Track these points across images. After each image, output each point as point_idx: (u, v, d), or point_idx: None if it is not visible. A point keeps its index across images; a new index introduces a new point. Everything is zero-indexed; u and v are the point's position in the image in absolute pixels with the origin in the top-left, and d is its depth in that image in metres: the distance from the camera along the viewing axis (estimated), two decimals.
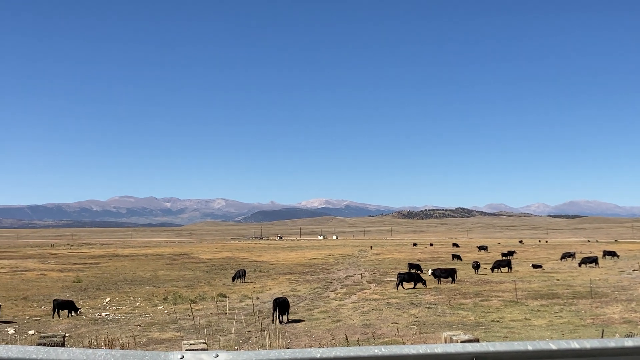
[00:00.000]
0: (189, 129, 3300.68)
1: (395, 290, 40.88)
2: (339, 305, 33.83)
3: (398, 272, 48.02)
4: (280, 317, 27.76)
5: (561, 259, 75.29)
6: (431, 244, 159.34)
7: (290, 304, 30.84)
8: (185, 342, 5.96)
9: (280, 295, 33.11)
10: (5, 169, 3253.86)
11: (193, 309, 30.18)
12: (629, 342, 4.96)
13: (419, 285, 42.74)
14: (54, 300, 32.02)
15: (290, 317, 28.58)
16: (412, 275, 43.66)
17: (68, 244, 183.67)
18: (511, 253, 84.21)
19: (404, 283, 42.57)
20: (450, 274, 46.76)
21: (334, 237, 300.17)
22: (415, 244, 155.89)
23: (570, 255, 76.39)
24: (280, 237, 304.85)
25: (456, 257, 78.56)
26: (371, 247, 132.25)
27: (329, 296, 38.51)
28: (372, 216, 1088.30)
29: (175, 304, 34.53)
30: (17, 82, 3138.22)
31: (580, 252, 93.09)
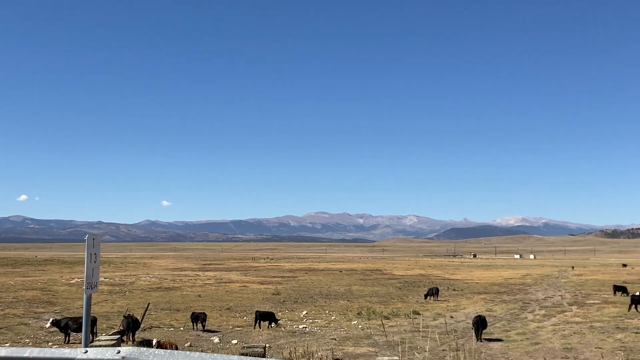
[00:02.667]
0: (380, 142, 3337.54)
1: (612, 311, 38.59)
2: (537, 327, 32.54)
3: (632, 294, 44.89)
4: (478, 335, 27.49)
5: None
6: None
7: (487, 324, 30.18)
8: (379, 358, 6.02)
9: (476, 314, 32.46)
10: (212, 187, 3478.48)
11: (386, 325, 30.39)
12: None
13: (628, 309, 39.85)
14: (256, 311, 33.67)
15: (487, 337, 28.00)
16: None
17: (267, 257, 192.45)
18: None
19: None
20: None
21: (532, 257, 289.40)
22: (624, 265, 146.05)
23: None
24: (474, 256, 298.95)
25: None
26: (572, 268, 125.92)
27: (526, 317, 37.16)
28: (573, 235, 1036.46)
29: (369, 319, 34.96)
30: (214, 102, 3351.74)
31: None
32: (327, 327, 32.63)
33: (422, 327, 30.64)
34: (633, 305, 40.13)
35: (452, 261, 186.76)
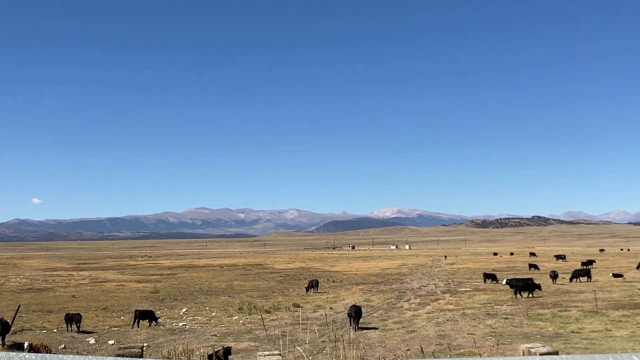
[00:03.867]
0: (261, 140, 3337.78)
1: (470, 301, 40.35)
2: (413, 315, 33.58)
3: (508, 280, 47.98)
4: (355, 325, 28.30)
5: (637, 268, 72.84)
6: (512, 253, 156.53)
7: (364, 314, 30.95)
8: (260, 352, 6.05)
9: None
10: (85, 183, 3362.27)
11: (267, 319, 30.49)
12: None
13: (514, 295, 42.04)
14: (136, 310, 32.91)
15: (365, 327, 28.78)
16: (528, 284, 43.47)
17: (145, 255, 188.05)
18: (590, 262, 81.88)
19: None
20: (527, 283, 45.63)
21: (407, 247, 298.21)
22: (495, 253, 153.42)
23: None
24: (353, 247, 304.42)
25: (533, 266, 76.95)
26: (445, 257, 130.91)
27: (402, 306, 38.28)
28: (446, 225, 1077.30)
29: (250, 314, 34.94)
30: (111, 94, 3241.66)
31: None
32: (207, 323, 32.36)
33: (303, 320, 30.94)
34: (514, 290, 42.95)
35: (332, 253, 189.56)
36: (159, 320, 32.74)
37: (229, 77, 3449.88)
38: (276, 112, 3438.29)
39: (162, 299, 45.40)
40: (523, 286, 42.86)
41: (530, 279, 46.98)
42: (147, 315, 32.06)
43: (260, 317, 31.28)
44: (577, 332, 26.09)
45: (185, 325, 31.79)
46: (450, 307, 37.12)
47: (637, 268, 73.37)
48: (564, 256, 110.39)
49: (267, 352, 6.10)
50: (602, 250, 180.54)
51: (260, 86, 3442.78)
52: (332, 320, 31.12)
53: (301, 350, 17.04)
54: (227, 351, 20.06)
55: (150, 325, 31.38)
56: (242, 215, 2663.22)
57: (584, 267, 70.61)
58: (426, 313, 34.42)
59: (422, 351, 17.54)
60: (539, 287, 43.79)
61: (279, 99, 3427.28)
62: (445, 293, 46.29)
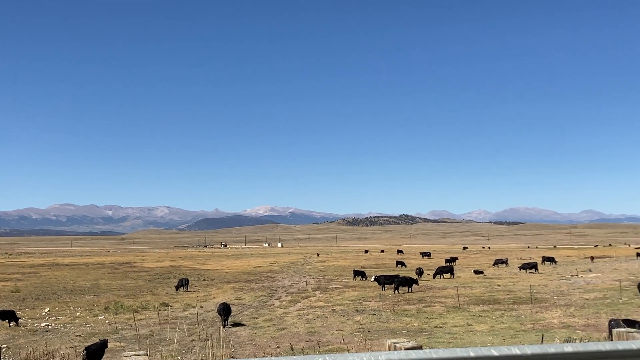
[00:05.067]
0: (129, 134, 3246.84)
1: (341, 297, 41.04)
2: (283, 313, 33.73)
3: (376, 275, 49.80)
4: (224, 322, 28.31)
5: (494, 265, 77.02)
6: (382, 251, 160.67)
7: (235, 313, 30.84)
8: (126, 353, 5.84)
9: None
10: None
11: (135, 319, 29.70)
12: (568, 348, 5.05)
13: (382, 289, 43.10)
14: None
15: (235, 324, 28.70)
16: (407, 279, 45.74)
17: (6, 253, 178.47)
18: (453, 259, 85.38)
19: (386, 286, 45.30)
20: (394, 280, 47.09)
21: (279, 245, 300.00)
22: (366, 251, 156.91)
23: (503, 261, 78.20)
24: (225, 245, 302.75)
25: (400, 263, 79.21)
26: (318, 254, 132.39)
27: (273, 304, 38.36)
28: (318, 223, 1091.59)
29: (116, 314, 33.91)
30: None
31: (520, 258, 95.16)
32: (71, 323, 31.09)
33: (172, 319, 30.35)
34: (381, 286, 44.81)
35: (203, 251, 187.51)
36: (20, 320, 31.15)
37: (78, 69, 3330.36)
38: (141, 107, 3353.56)
39: (24, 299, 43.21)
40: (402, 281, 44.77)
41: (397, 276, 48.45)
42: (7, 316, 30.45)
43: (128, 316, 30.46)
44: (441, 327, 27.10)
45: (48, 325, 30.40)
46: (321, 304, 37.58)
47: (493, 265, 77.39)
48: (429, 253, 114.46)
49: (133, 352, 5.89)
50: (465, 247, 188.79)
51: (111, 82, 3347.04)
52: (202, 319, 30.73)
53: (168, 350, 16.71)
54: (104, 344, 19.65)
55: (10, 325, 29.81)
56: (109, 212, 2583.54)
57: (448, 264, 73.48)
58: (297, 310, 34.67)
59: (291, 348, 17.63)
60: (416, 282, 46.46)
61: (143, 94, 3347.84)
62: (316, 290, 46.83)
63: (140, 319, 31.57)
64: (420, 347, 5.36)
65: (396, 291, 43.45)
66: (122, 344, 24.19)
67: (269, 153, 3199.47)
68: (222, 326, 27.71)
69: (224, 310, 29.01)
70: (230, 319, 29.58)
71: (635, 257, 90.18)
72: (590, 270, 63.74)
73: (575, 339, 19.30)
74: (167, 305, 37.53)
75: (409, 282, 45.17)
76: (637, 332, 6.01)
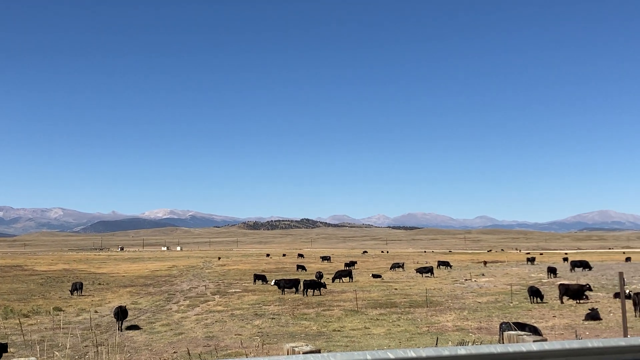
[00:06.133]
0: (20, 130, 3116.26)
1: (240, 301, 40.81)
2: (181, 317, 33.22)
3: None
4: (120, 327, 27.83)
5: (391, 269, 78.74)
6: (284, 255, 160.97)
7: (131, 317, 30.16)
8: (15, 359, 5.58)
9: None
10: None
11: (26, 324, 28.55)
12: (461, 350, 5.16)
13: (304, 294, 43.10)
14: None
15: (131, 329, 28.07)
16: (315, 283, 46.83)
17: None
18: (353, 263, 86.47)
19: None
20: (294, 284, 47.36)
21: (179, 248, 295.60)
22: (268, 255, 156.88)
23: (400, 265, 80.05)
24: (122, 249, 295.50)
25: (301, 267, 79.64)
26: (219, 258, 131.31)
27: (171, 308, 37.74)
28: (218, 227, 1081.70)
29: (6, 319, 32.42)
30: None
31: (417, 262, 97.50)
32: None
33: (65, 324, 29.38)
34: (281, 290, 46.03)
35: (99, 255, 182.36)
36: None
37: None
38: (31, 103, 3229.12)
39: None
40: (310, 284, 45.73)
41: (297, 280, 48.68)
42: None
43: (17, 321, 29.19)
44: (339, 331, 27.35)
45: None
46: (220, 308, 37.24)
47: (391, 269, 79.01)
48: (329, 257, 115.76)
49: (23, 359, 5.62)
50: (365, 252, 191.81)
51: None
52: (97, 324, 29.84)
53: (60, 356, 16.11)
54: (3, 347, 18.88)
55: None
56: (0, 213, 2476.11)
57: (347, 268, 74.44)
58: (195, 315, 34.22)
59: (188, 353, 17.34)
60: (324, 286, 47.15)
61: (29, 89, 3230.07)
62: (215, 294, 46.38)
63: (32, 324, 30.38)
64: (319, 351, 5.36)
65: (304, 294, 44.32)
66: (11, 350, 23.15)
67: (169, 154, 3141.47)
68: (117, 331, 27.04)
69: (120, 314, 28.37)
70: (126, 323, 28.95)
71: (526, 262, 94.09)
72: (483, 275, 65.97)
73: (468, 342, 19.87)
74: (60, 310, 36.22)
75: (316, 286, 45.98)
76: (527, 334, 6.22)
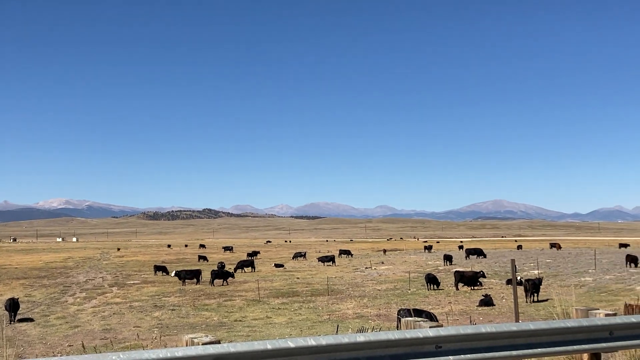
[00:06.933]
0: None
1: (139, 293, 40.09)
2: (77, 310, 32.33)
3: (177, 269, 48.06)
4: (11, 319, 26.99)
5: (293, 258, 79.29)
6: (186, 245, 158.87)
7: (24, 310, 29.16)
8: None
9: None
10: None
11: None
12: (360, 338, 5.24)
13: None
14: None
15: (23, 322, 27.13)
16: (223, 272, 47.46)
17: None
18: (255, 253, 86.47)
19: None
20: (195, 275, 46.94)
21: (75, 240, 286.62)
22: (169, 245, 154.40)
23: (302, 255, 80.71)
24: (14, 240, 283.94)
25: (202, 258, 78.99)
26: (118, 249, 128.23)
27: (67, 301, 36.66)
28: (116, 217, 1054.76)
29: None
30: None
31: (319, 252, 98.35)
32: None
33: None
34: (182, 281, 45.64)
35: None
36: None
37: None
38: None
39: None
40: (219, 274, 46.24)
41: (199, 270, 48.37)
42: None
43: None
44: (240, 321, 27.31)
45: None
46: (118, 300, 36.49)
47: (293, 258, 79.51)
48: (232, 248, 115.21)
49: None
50: (268, 241, 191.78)
51: None
52: None
53: None
54: None
55: None
56: None
57: (249, 257, 74.36)
58: (92, 307, 33.38)
59: (83, 346, 16.83)
60: (232, 275, 47.85)
61: None
62: (113, 286, 45.33)
63: None
64: (218, 342, 5.32)
65: (212, 284, 44.65)
66: None
67: (63, 141, 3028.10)
68: (9, 324, 26.04)
69: (11, 306, 27.45)
70: (18, 316, 27.95)
71: (423, 250, 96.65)
72: (382, 263, 67.33)
73: (368, 329, 20.20)
74: None
75: (225, 275, 46.54)
76: (424, 321, 6.39)
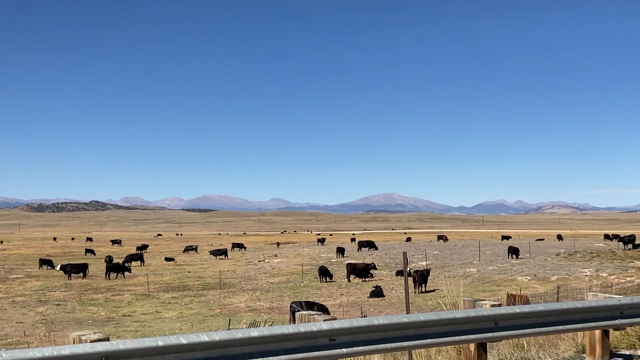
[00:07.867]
0: None
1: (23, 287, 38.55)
2: None
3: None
4: None
5: (184, 252, 78.47)
6: (73, 238, 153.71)
7: None
8: None
9: None
10: None
11: None
12: (254, 332, 5.20)
13: (53, 281, 41.03)
14: None
15: None
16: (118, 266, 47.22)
17: None
18: (145, 247, 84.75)
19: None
20: (82, 268, 45.60)
21: None
22: (55, 238, 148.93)
23: (193, 248, 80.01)
24: None
25: (90, 251, 76.81)
26: (1, 242, 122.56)
27: None
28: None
29: None
30: None
31: (211, 245, 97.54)
32: None
33: None
34: (67, 275, 44.34)
35: None
36: None
37: None
38: None
39: None
40: (114, 267, 46.12)
41: (85, 264, 47.10)
42: None
43: None
44: (129, 316, 26.74)
45: None
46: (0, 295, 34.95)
47: (184, 252, 78.60)
48: (120, 241, 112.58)
49: None
50: (159, 234, 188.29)
51: None
52: None
53: None
54: None
55: None
56: None
57: (138, 251, 72.91)
58: None
59: None
60: (129, 269, 47.37)
61: None
62: None
63: None
64: (108, 339, 5.13)
65: (107, 277, 44.33)
66: None
67: None
68: None
69: None
70: None
71: (317, 243, 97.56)
72: (276, 256, 67.53)
73: (260, 322, 20.22)
74: None
75: (120, 269, 46.15)
76: (318, 314, 6.42)
